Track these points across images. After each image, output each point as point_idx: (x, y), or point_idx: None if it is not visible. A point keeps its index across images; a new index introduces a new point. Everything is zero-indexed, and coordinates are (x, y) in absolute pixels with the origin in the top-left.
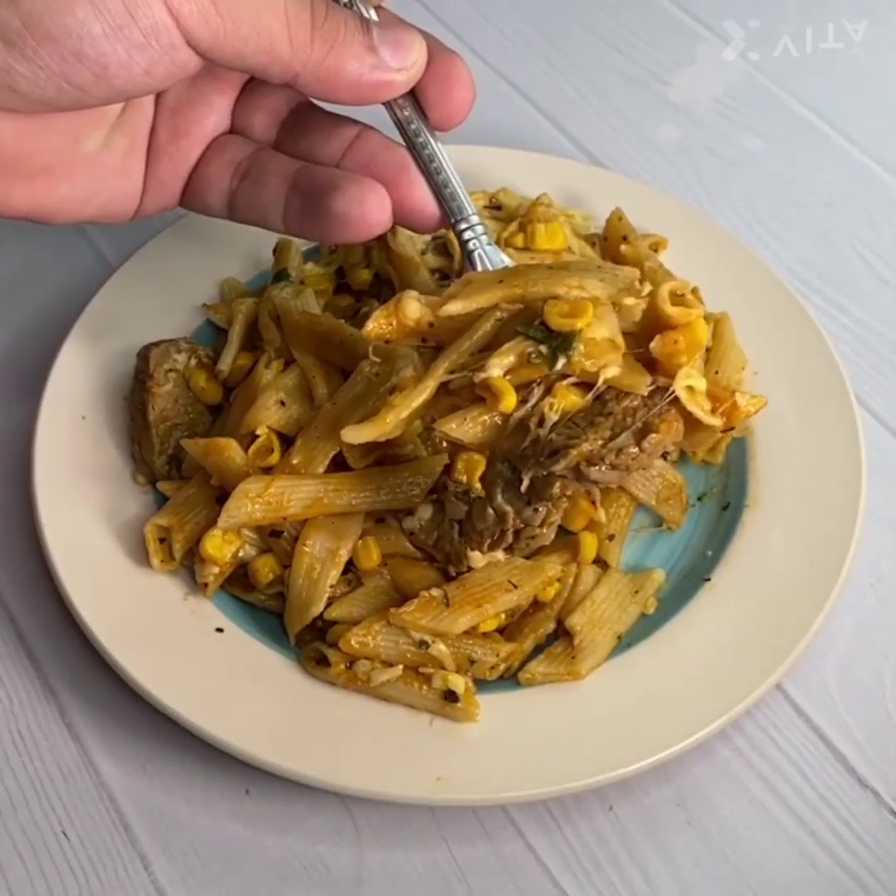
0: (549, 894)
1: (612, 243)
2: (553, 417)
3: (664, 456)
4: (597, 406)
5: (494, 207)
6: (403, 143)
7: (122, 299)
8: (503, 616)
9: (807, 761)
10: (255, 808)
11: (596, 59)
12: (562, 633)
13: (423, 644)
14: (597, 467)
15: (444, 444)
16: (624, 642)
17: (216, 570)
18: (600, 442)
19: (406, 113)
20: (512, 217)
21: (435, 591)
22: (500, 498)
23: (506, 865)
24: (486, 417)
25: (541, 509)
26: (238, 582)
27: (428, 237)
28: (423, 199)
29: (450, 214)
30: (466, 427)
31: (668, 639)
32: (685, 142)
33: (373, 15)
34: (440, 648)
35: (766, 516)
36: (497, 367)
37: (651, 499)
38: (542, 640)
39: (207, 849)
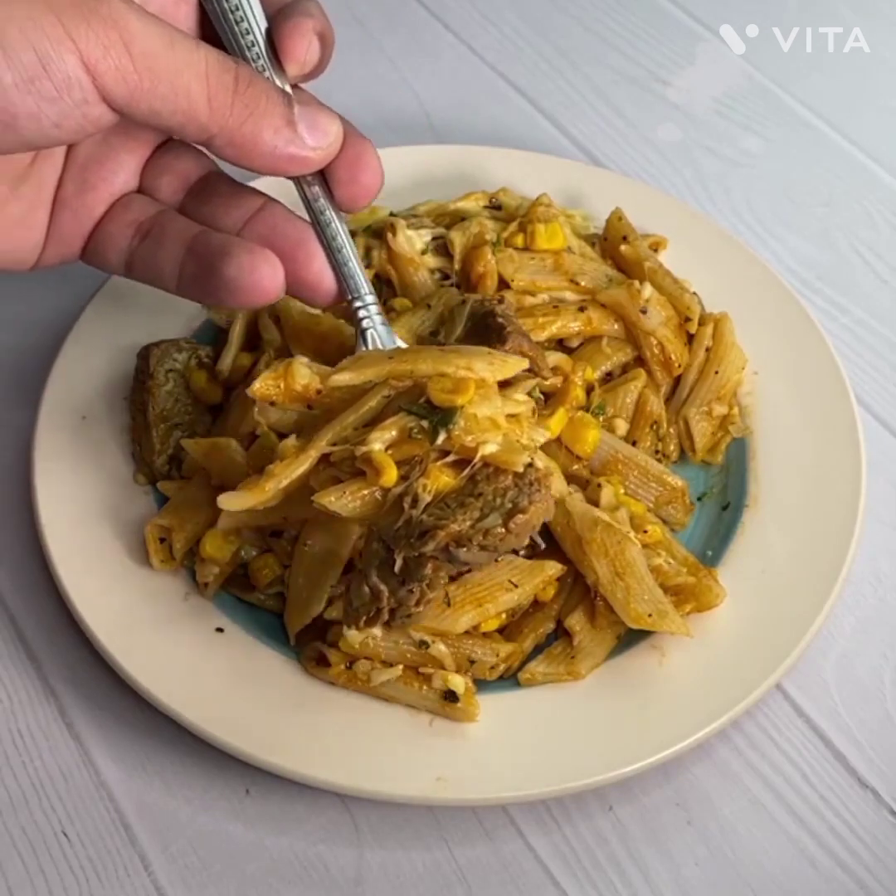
0: (549, 894)
1: (612, 243)
2: (426, 498)
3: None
4: (469, 486)
5: (494, 207)
6: (308, 219)
7: (122, 299)
8: (503, 616)
9: (807, 761)
10: (255, 808)
11: (596, 59)
12: (562, 633)
13: (423, 644)
14: (465, 548)
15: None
16: (624, 642)
17: (216, 570)
18: (468, 523)
19: (314, 189)
20: (512, 217)
21: None
22: (374, 576)
23: (506, 865)
24: (365, 492)
25: (415, 590)
26: (238, 582)
27: (428, 237)
28: (319, 273)
29: (347, 292)
30: (345, 500)
31: (668, 639)
32: (685, 142)
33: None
34: (440, 648)
35: (766, 516)
36: (378, 441)
37: (650, 503)
38: (542, 640)
39: (207, 849)
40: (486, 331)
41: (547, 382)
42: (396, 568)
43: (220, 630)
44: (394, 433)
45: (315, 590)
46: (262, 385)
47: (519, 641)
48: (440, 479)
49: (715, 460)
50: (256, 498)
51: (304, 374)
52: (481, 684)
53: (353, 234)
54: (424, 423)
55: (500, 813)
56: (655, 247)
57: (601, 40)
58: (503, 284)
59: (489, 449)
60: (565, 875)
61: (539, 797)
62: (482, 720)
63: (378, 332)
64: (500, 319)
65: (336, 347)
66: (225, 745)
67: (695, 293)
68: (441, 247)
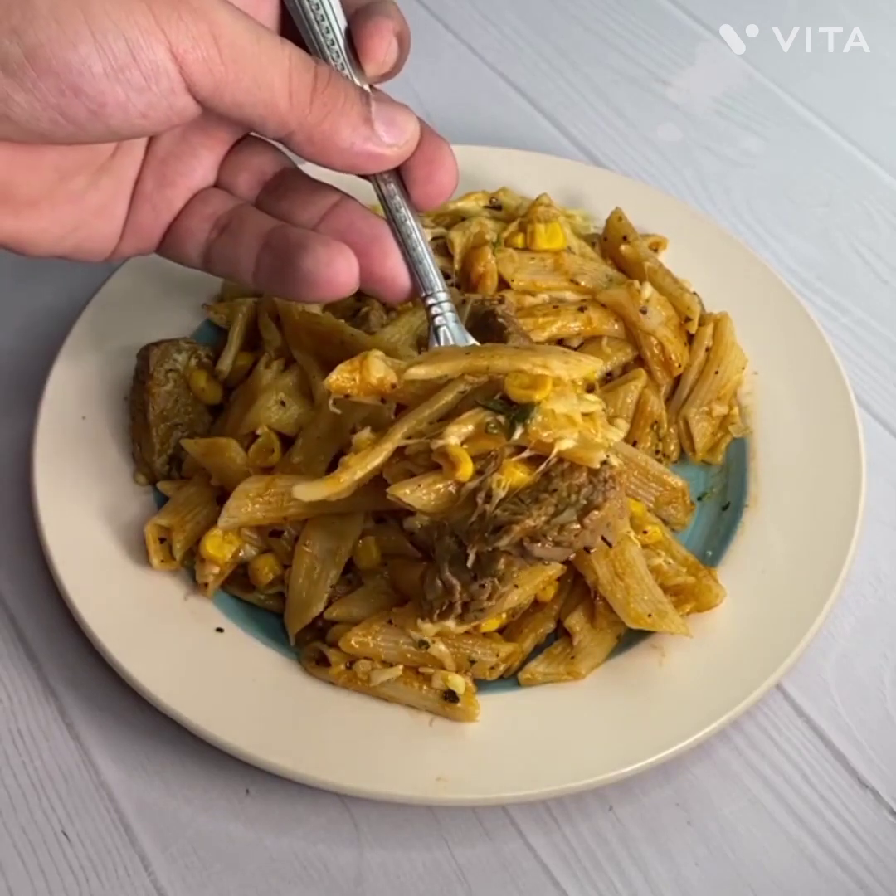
0: (550, 894)
1: (612, 243)
2: (500, 493)
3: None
4: (543, 482)
5: (494, 207)
6: (383, 215)
7: (122, 299)
8: (503, 616)
9: (807, 761)
10: (255, 808)
11: (596, 59)
12: (562, 633)
13: (423, 644)
14: (540, 544)
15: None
16: (624, 642)
17: (216, 570)
18: (543, 518)
19: (390, 187)
20: (512, 217)
21: None
22: (447, 571)
23: (506, 865)
24: (440, 486)
25: (487, 584)
26: (238, 582)
27: (428, 237)
28: (394, 270)
29: (421, 288)
30: (420, 494)
31: (668, 639)
32: (685, 142)
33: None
34: (440, 648)
35: (766, 516)
36: (455, 435)
37: (650, 503)
38: (542, 640)
39: (207, 849)
40: (487, 331)
41: None
42: (469, 563)
43: (220, 630)
44: (470, 428)
45: (315, 590)
46: (338, 377)
47: (519, 641)
48: (515, 474)
49: (715, 460)
50: (331, 489)
51: (379, 367)
52: (481, 684)
53: None
54: (501, 419)
55: (500, 813)
56: (655, 247)
57: (601, 40)
58: (503, 284)
59: (566, 444)
60: (565, 875)
61: (539, 797)
62: (482, 720)
63: (451, 329)
64: (500, 319)
65: (337, 347)
66: (225, 745)
67: (695, 293)
68: (441, 247)
